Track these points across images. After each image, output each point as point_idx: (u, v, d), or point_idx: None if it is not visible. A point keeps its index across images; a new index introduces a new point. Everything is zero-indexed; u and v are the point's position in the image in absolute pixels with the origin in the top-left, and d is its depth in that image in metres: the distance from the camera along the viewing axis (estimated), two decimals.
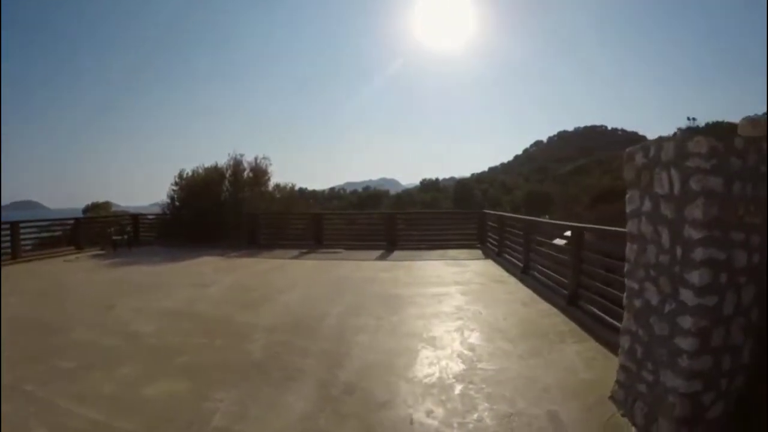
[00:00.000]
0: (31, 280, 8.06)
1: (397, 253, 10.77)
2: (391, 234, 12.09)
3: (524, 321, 4.82)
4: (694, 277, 2.23)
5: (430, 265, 8.97)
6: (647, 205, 2.61)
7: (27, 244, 10.98)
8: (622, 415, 2.69)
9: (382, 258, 10.22)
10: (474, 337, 4.31)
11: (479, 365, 3.60)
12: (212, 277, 7.94)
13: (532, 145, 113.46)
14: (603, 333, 4.03)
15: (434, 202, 46.80)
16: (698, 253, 2.23)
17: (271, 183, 15.24)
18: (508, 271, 7.84)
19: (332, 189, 71.16)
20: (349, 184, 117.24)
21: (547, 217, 23.31)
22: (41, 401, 3.04)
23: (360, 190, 65.50)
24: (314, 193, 48.46)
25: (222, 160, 14.78)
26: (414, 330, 4.59)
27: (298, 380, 3.37)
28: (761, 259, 2.33)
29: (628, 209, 2.82)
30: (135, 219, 14.49)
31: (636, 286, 2.72)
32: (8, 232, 10.00)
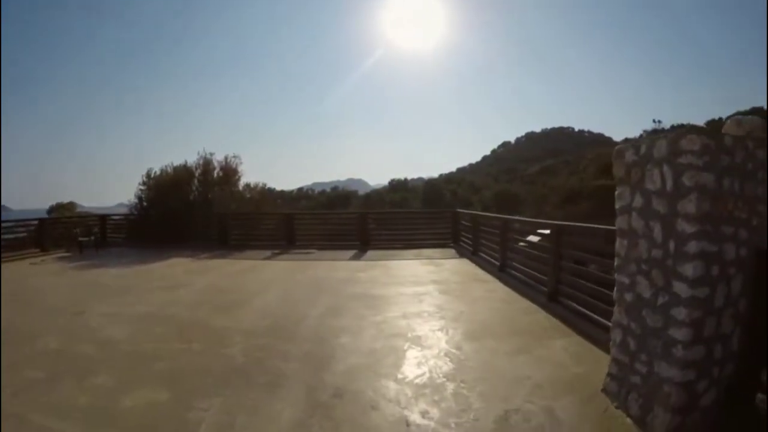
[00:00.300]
0: None
1: (370, 253, 10.69)
2: (364, 234, 11.99)
3: (507, 318, 4.86)
4: (688, 269, 2.29)
5: (405, 264, 8.95)
6: (638, 200, 2.66)
7: None
8: (616, 407, 2.72)
9: (356, 258, 10.11)
10: (459, 336, 4.29)
11: (468, 363, 3.58)
12: (184, 280, 7.59)
13: (499, 146, 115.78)
14: (585, 327, 4.12)
15: (404, 202, 47.00)
16: (691, 246, 2.28)
17: (242, 182, 14.89)
18: (484, 269, 7.92)
19: (300, 189, 70.15)
20: (316, 184, 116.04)
21: (518, 216, 23.88)
22: (11, 416, 2.76)
23: (328, 190, 64.92)
24: (282, 193, 47.60)
25: (191, 158, 14.41)
26: (398, 330, 4.52)
27: (283, 385, 3.22)
28: (748, 251, 2.42)
29: (617, 205, 2.86)
30: (102, 219, 13.97)
31: (627, 280, 2.76)
32: None
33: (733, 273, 2.38)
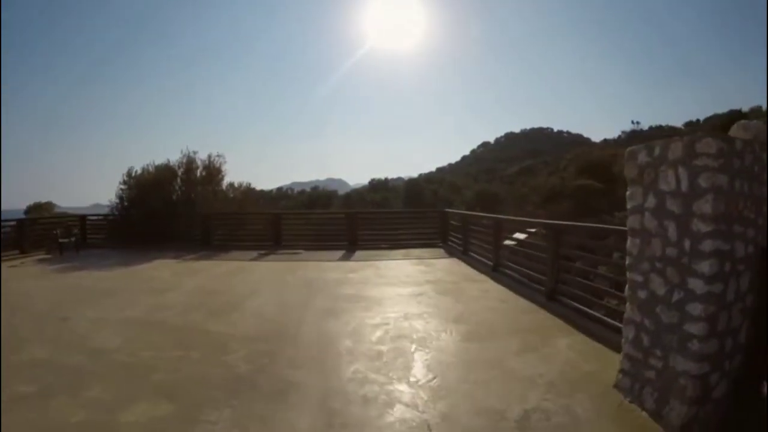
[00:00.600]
0: None
1: (359, 253, 10.63)
2: (351, 233, 11.92)
3: (508, 318, 4.90)
4: (704, 267, 2.36)
5: (396, 264, 8.94)
6: (651, 201, 2.72)
7: None
8: (630, 402, 2.78)
9: (345, 258, 10.03)
10: (464, 336, 4.30)
11: (479, 364, 3.59)
12: (172, 282, 7.36)
13: (479, 146, 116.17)
14: (588, 326, 4.19)
15: (385, 201, 46.97)
16: (707, 245, 2.36)
17: (225, 182, 14.57)
18: (476, 269, 7.98)
19: (279, 189, 69.20)
20: (295, 183, 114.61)
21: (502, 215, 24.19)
22: None
23: (308, 189, 64.26)
24: (262, 192, 46.83)
25: (174, 157, 14.07)
26: (402, 332, 4.49)
27: (293, 394, 3.12)
28: (755, 249, 2.51)
29: (629, 205, 2.92)
30: (82, 220, 13.41)
31: (640, 278, 2.82)
32: None
33: (742, 269, 2.49)
